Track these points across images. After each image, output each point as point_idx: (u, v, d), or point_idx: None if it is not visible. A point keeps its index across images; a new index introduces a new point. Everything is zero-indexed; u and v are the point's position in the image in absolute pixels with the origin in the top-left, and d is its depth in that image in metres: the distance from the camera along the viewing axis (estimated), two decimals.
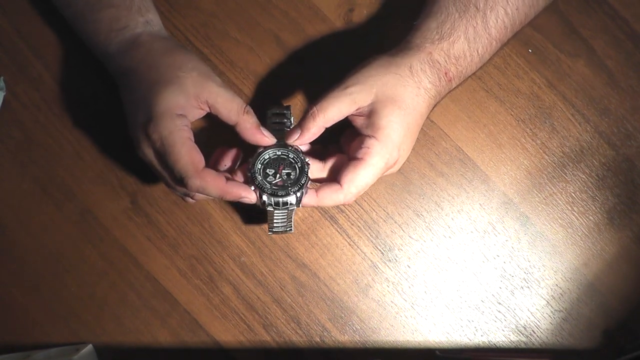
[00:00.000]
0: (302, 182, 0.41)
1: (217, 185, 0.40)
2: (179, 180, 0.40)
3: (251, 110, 0.42)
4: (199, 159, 0.40)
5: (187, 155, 0.39)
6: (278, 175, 0.42)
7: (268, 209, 0.41)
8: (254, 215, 0.51)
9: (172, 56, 0.43)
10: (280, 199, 0.40)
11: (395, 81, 0.41)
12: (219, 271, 0.51)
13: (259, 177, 0.41)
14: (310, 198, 0.41)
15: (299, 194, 0.41)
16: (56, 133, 0.51)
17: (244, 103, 0.42)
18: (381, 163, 0.41)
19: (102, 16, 0.44)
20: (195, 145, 0.40)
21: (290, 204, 0.41)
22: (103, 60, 0.46)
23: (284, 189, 0.41)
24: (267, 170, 0.42)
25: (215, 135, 0.50)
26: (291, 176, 0.42)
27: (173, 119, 0.40)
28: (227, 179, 0.41)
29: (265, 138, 0.42)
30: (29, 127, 0.51)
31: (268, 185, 0.41)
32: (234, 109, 0.41)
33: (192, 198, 0.43)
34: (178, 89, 0.40)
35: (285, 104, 0.50)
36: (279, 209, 0.41)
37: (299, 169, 0.42)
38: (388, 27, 0.51)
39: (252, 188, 0.41)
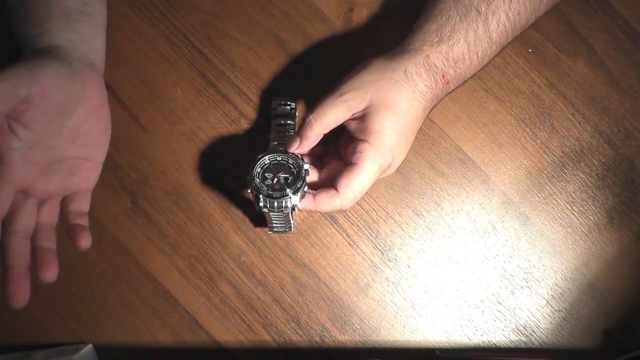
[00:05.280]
0: (299, 186, 0.41)
1: None
2: None
3: None
4: None
5: None
6: (276, 180, 0.42)
7: (264, 210, 0.42)
8: (257, 217, 0.51)
9: None
10: (276, 201, 0.41)
11: (389, 86, 0.41)
12: (219, 271, 0.51)
13: (257, 180, 0.42)
14: (308, 203, 0.42)
15: (294, 198, 0.41)
16: None
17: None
18: (375, 167, 0.41)
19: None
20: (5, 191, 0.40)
21: (285, 207, 0.41)
22: None
23: (280, 191, 0.41)
24: (266, 174, 0.42)
25: None
26: (289, 181, 0.42)
27: None
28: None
29: None
30: None
31: (265, 188, 0.42)
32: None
33: None
34: None
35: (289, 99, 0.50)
36: (274, 211, 0.41)
37: (296, 174, 0.42)
38: (388, 27, 0.51)
39: (249, 190, 0.42)
